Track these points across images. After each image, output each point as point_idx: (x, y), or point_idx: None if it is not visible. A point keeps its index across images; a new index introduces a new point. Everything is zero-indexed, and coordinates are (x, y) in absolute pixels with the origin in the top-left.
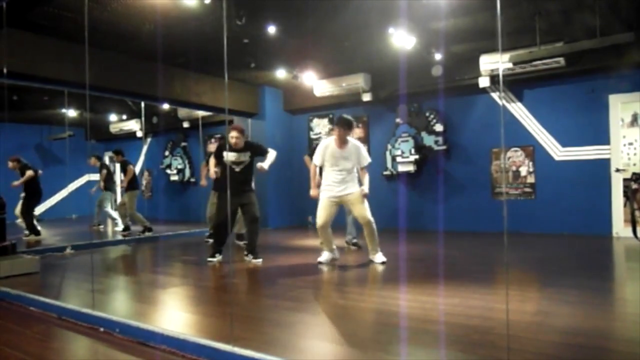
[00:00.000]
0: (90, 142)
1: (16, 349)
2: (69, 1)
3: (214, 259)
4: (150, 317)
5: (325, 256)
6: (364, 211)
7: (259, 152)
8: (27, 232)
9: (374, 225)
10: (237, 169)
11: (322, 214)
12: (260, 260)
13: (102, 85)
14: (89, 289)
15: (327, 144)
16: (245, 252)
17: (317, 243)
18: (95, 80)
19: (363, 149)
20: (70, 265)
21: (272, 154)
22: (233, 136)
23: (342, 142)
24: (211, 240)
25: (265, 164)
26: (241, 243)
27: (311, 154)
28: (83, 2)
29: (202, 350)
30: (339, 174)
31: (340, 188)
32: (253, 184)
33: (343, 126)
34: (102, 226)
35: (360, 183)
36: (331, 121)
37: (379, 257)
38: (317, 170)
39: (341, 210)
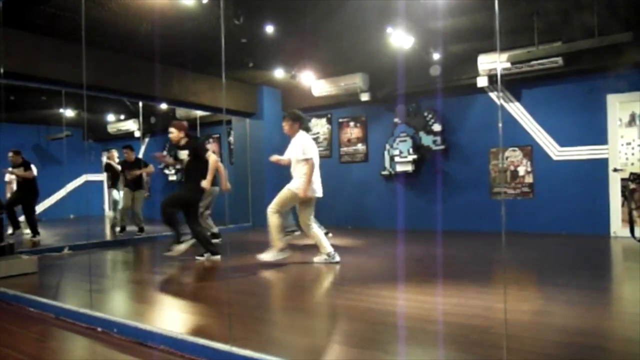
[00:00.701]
0: (87, 142)
1: (14, 349)
2: (66, 1)
3: (202, 258)
4: (149, 317)
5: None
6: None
7: (195, 155)
8: (26, 231)
9: (270, 221)
10: (183, 166)
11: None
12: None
13: (100, 85)
14: (87, 289)
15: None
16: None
17: (313, 242)
18: (92, 80)
19: (304, 142)
20: (68, 266)
21: (210, 163)
22: (169, 131)
23: (292, 135)
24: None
25: (204, 182)
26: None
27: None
28: (80, 1)
29: (201, 350)
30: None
31: None
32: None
33: (284, 118)
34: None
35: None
36: (329, 121)
37: (264, 254)
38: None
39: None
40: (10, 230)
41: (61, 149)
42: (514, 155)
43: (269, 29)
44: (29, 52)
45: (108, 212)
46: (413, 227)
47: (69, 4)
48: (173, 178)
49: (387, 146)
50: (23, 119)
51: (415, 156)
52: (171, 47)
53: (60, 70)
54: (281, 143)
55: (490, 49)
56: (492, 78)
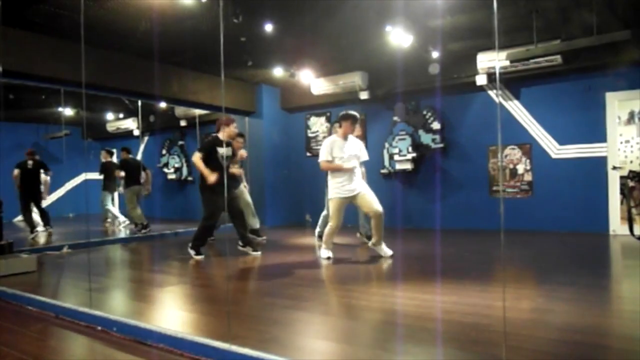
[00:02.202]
0: (87, 141)
1: (13, 348)
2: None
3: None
4: (148, 315)
5: (327, 253)
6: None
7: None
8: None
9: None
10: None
11: (340, 216)
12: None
13: (99, 84)
14: (86, 287)
15: (333, 140)
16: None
17: (314, 241)
18: (91, 78)
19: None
20: (68, 264)
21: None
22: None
23: (347, 137)
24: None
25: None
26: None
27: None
28: (79, 0)
29: (200, 348)
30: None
31: (353, 186)
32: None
33: (351, 119)
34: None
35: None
36: (328, 119)
37: (386, 250)
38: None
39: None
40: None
41: (60, 147)
42: (513, 153)
43: (268, 27)
44: (28, 50)
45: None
46: (412, 226)
47: (68, 2)
48: (172, 177)
49: (386, 144)
50: (22, 118)
51: (414, 154)
52: (170, 45)
53: (59, 68)
54: (280, 141)
55: (489, 47)
56: (491, 76)
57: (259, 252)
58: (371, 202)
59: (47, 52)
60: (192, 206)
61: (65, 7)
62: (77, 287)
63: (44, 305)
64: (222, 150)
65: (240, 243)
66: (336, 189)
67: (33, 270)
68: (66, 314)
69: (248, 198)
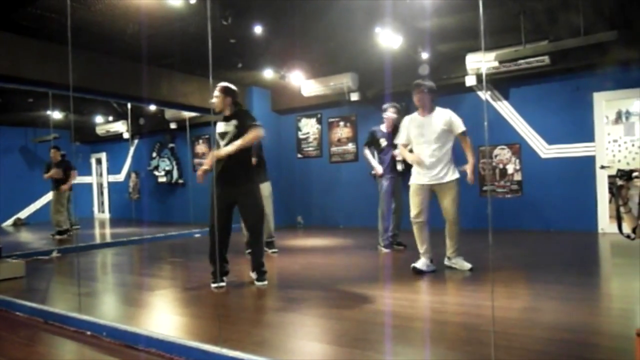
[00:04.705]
0: (75, 145)
1: (2, 355)
2: (52, 2)
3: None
4: (138, 320)
5: (421, 262)
6: (454, 206)
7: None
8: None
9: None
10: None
11: (416, 202)
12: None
13: (87, 87)
14: (76, 292)
15: (411, 117)
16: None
17: (306, 243)
18: (79, 81)
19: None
20: (57, 269)
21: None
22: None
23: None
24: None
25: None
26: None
27: None
28: (66, 3)
29: (191, 352)
30: (432, 151)
31: (435, 171)
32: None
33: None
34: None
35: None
36: (319, 121)
37: (462, 263)
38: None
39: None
40: None
41: (48, 151)
42: (502, 153)
43: (258, 29)
44: (15, 53)
45: (98, 214)
46: (403, 227)
47: (55, 5)
48: (163, 179)
49: None
50: (10, 121)
51: None
52: (159, 48)
53: (47, 71)
54: (270, 143)
55: (478, 48)
56: (480, 77)
57: (265, 282)
58: (450, 202)
59: (35, 55)
60: (183, 209)
61: (52, 9)
62: (66, 292)
63: (32, 311)
64: (221, 127)
65: (251, 269)
66: (412, 172)
67: (22, 276)
68: (55, 319)
69: (269, 205)
